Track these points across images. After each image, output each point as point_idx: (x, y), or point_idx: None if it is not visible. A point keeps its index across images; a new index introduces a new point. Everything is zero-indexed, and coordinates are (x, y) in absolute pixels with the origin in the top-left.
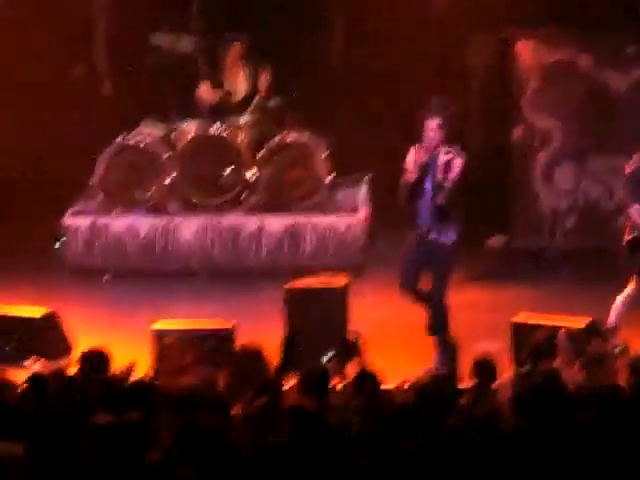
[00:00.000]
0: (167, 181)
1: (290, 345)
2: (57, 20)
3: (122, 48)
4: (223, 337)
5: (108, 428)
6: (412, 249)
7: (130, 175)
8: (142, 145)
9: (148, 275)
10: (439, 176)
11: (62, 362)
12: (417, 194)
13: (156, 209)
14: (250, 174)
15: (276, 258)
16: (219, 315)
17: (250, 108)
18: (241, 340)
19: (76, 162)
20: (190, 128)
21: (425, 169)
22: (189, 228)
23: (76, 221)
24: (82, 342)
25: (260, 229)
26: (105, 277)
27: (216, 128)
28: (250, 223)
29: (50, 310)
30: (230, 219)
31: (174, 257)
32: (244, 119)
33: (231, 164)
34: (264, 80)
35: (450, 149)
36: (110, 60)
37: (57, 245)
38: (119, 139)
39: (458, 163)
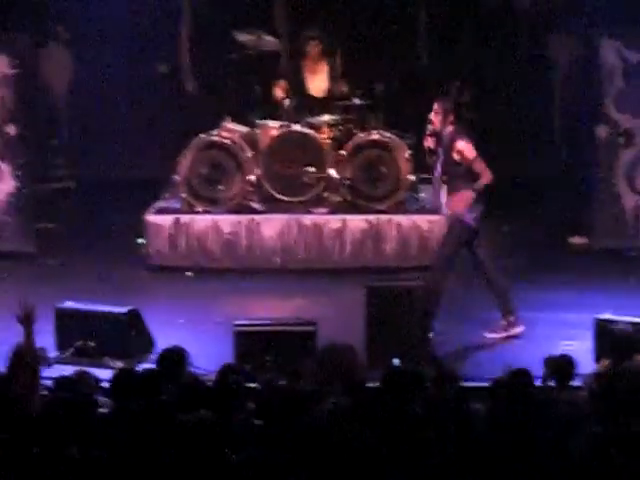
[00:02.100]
0: (250, 179)
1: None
2: (144, 18)
3: (205, 46)
4: (306, 335)
5: (186, 427)
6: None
7: (213, 173)
8: (225, 143)
9: (231, 272)
10: (444, 156)
11: (144, 359)
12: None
13: (239, 207)
14: (333, 172)
15: (358, 256)
16: (301, 313)
17: (332, 107)
18: (323, 338)
19: (159, 159)
20: (273, 126)
21: (432, 151)
22: (272, 226)
23: (159, 218)
24: (164, 339)
25: (343, 227)
26: (188, 274)
27: (299, 126)
28: (333, 221)
29: (133, 307)
30: (313, 217)
31: (257, 255)
32: (326, 118)
33: (314, 162)
34: (347, 78)
35: (455, 131)
36: (193, 58)
37: (140, 242)
38: (203, 136)
39: (461, 144)
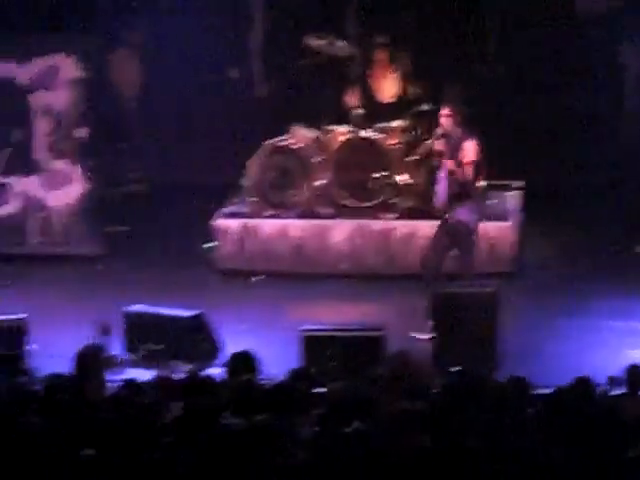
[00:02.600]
0: (318, 184)
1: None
2: (215, 22)
3: (277, 50)
4: (373, 340)
5: (238, 431)
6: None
7: (282, 178)
8: (294, 148)
9: (298, 277)
10: (452, 159)
11: (210, 363)
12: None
13: (307, 212)
14: (401, 178)
15: None
16: (369, 318)
17: (401, 112)
18: (390, 343)
19: (228, 164)
20: (342, 131)
21: (441, 154)
22: (339, 231)
23: (227, 223)
24: (231, 343)
25: (410, 233)
26: (255, 279)
27: (367, 132)
28: (401, 227)
29: (200, 311)
30: (380, 223)
31: (324, 260)
32: (395, 123)
33: (382, 168)
34: (415, 84)
35: (463, 133)
36: (265, 62)
37: (208, 246)
38: (272, 141)
39: (469, 145)
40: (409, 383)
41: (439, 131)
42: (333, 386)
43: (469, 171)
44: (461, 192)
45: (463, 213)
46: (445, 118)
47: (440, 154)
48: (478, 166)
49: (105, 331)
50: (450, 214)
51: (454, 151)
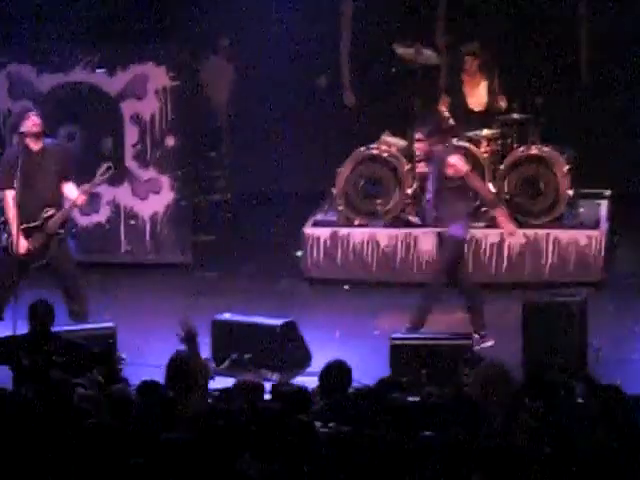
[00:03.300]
0: (408, 192)
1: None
2: (304, 30)
3: (365, 59)
4: (462, 349)
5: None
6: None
7: (371, 186)
8: (384, 156)
9: (387, 286)
10: (436, 174)
11: (300, 371)
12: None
13: (396, 220)
14: (491, 187)
15: (516, 271)
16: (458, 327)
17: (491, 121)
18: (480, 352)
19: (318, 172)
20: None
21: (425, 176)
22: (429, 239)
23: (317, 231)
24: (321, 352)
25: (501, 242)
26: (345, 287)
27: (457, 140)
28: (491, 236)
29: (290, 319)
30: (471, 231)
31: (413, 268)
32: (485, 132)
33: None
34: (505, 93)
35: (445, 148)
36: (353, 71)
37: (298, 254)
38: (361, 150)
39: (453, 159)
40: (497, 392)
41: (417, 155)
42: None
43: (473, 180)
44: (448, 205)
45: (456, 229)
46: (418, 143)
47: (424, 176)
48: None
49: (189, 338)
50: (443, 230)
51: (439, 167)
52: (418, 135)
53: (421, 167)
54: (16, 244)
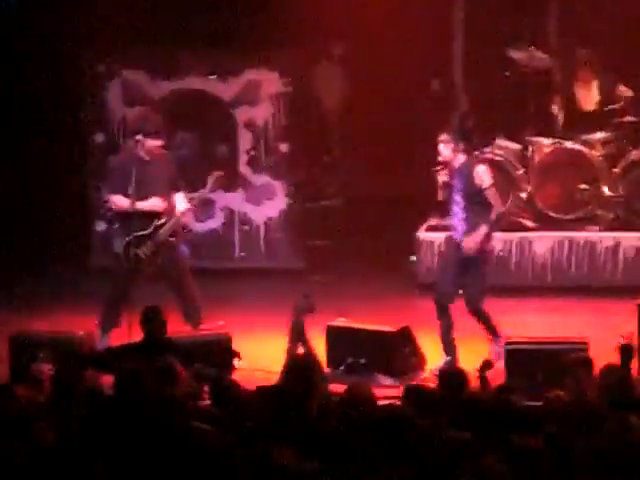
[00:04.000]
0: (522, 196)
1: None
2: (417, 35)
3: (478, 63)
4: (575, 353)
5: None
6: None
7: None
8: (498, 160)
9: (501, 290)
10: (463, 186)
11: (415, 377)
12: (449, 209)
13: (510, 224)
14: (606, 190)
15: (631, 275)
16: (572, 331)
17: (605, 124)
18: (594, 358)
19: (430, 176)
20: (546, 143)
21: (447, 184)
22: (543, 243)
23: (430, 236)
24: (434, 357)
25: (616, 246)
26: (460, 292)
27: (572, 143)
28: (606, 239)
29: (404, 325)
30: (585, 235)
31: (528, 272)
32: (600, 135)
33: (588, 180)
34: (619, 96)
35: (471, 158)
36: (466, 74)
37: (412, 260)
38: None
39: (481, 168)
40: (612, 397)
41: (440, 161)
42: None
43: (492, 195)
44: (475, 224)
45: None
46: (442, 146)
47: (446, 185)
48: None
49: (299, 336)
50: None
51: (467, 178)
52: (442, 138)
53: (443, 175)
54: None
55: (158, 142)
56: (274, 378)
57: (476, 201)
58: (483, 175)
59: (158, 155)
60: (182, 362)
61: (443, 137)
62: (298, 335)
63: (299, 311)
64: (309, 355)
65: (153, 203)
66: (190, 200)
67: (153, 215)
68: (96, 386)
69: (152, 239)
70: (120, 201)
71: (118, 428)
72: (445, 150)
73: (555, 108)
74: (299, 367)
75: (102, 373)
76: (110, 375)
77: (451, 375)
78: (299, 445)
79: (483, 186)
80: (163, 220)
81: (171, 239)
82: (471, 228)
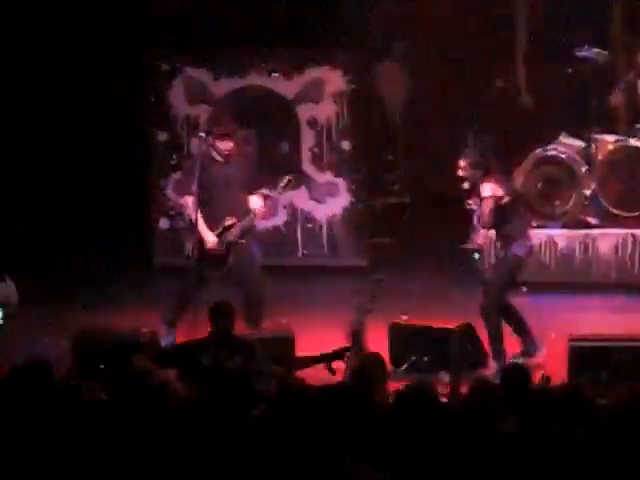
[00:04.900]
0: (586, 193)
1: None
2: (480, 33)
3: (542, 59)
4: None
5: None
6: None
7: (549, 187)
8: (561, 157)
9: (565, 287)
10: (476, 204)
11: (477, 373)
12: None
13: (574, 221)
14: None
15: None
16: (636, 329)
17: None
18: None
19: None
20: (609, 140)
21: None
22: (608, 241)
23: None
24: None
25: None
26: (523, 289)
27: (635, 140)
28: None
29: (468, 322)
30: None
31: (591, 270)
32: None
33: None
34: None
35: (482, 176)
36: (529, 72)
37: (475, 257)
38: (538, 151)
39: (485, 185)
40: None
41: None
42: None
43: (484, 205)
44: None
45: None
46: (462, 172)
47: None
48: (497, 201)
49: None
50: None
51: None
52: (462, 164)
53: (472, 202)
54: (205, 240)
55: (229, 144)
56: (336, 377)
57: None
58: (483, 189)
59: (231, 157)
60: (247, 360)
61: (462, 163)
62: (358, 335)
63: (361, 310)
64: (374, 354)
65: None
66: (264, 201)
67: (223, 215)
68: (168, 382)
69: (221, 240)
70: (187, 201)
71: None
72: (463, 172)
73: (620, 103)
74: (365, 365)
75: (168, 369)
76: (176, 371)
77: (514, 371)
78: (364, 446)
79: (481, 196)
80: (232, 221)
81: (241, 240)
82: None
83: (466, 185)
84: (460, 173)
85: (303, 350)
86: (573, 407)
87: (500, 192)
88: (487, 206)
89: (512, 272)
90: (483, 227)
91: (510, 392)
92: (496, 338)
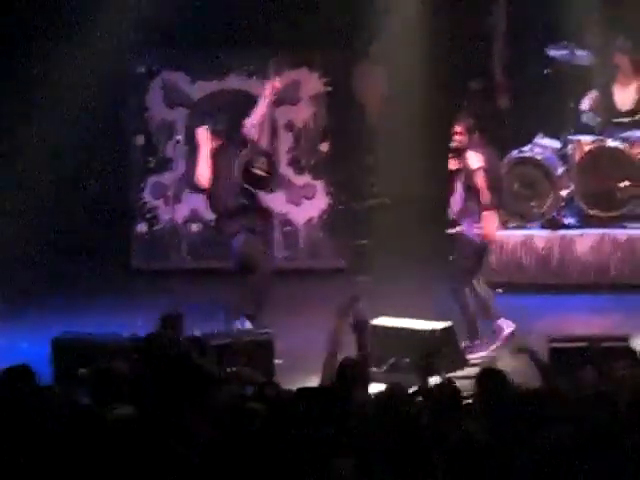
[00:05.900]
0: (562, 194)
1: None
2: (456, 34)
3: (518, 61)
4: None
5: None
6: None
7: (526, 188)
8: (538, 158)
9: (543, 288)
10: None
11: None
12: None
13: (551, 222)
14: None
15: None
16: (615, 329)
17: None
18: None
19: None
20: (586, 141)
21: (454, 172)
22: (585, 242)
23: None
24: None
25: None
26: (499, 290)
27: (612, 141)
28: None
29: (449, 324)
30: (627, 232)
31: (570, 270)
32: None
33: (628, 177)
34: None
35: (472, 142)
36: (506, 73)
37: (453, 259)
38: (514, 152)
39: (469, 153)
40: None
41: (452, 147)
42: None
43: (478, 180)
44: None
45: (470, 227)
46: (457, 136)
47: (452, 173)
48: (487, 173)
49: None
50: (461, 228)
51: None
52: (458, 128)
53: (453, 164)
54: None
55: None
56: (315, 379)
57: (472, 192)
58: (469, 158)
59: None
60: (224, 363)
61: (458, 128)
62: (338, 336)
63: (342, 312)
64: (356, 355)
65: None
66: None
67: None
68: None
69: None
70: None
71: None
72: (458, 139)
73: (593, 104)
74: (346, 368)
75: None
76: None
77: (487, 374)
78: (338, 445)
79: (468, 168)
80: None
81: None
82: (466, 215)
83: (452, 164)
84: (455, 141)
85: (281, 352)
86: (547, 410)
87: (485, 164)
88: (482, 180)
89: (463, 252)
90: (486, 207)
91: (484, 397)
92: (465, 317)
